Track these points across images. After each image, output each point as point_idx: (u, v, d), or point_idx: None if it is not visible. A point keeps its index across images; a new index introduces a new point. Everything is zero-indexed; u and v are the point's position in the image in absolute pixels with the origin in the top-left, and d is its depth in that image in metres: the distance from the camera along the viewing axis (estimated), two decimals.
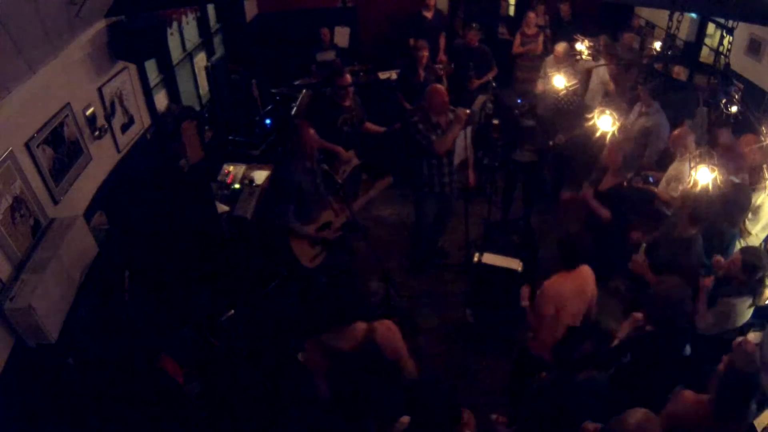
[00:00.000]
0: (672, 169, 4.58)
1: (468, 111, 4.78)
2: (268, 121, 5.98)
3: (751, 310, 3.56)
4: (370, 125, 5.67)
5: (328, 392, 3.02)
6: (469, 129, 5.02)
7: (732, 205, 3.87)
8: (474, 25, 6.80)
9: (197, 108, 5.72)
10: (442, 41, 7.38)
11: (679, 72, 5.89)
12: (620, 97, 5.69)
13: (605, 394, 2.95)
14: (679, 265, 3.68)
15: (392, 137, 5.88)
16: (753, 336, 3.65)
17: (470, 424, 2.53)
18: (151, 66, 4.78)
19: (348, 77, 5.41)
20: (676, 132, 4.52)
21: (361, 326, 2.89)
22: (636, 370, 3.26)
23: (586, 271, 3.53)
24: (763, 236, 4.20)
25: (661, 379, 3.14)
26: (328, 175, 4.55)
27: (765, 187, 4.07)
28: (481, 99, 6.16)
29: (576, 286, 3.49)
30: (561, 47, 6.12)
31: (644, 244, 4.10)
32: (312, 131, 4.32)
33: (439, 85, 4.89)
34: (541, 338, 3.59)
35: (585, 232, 3.65)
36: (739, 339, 3.43)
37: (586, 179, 4.85)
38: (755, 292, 3.45)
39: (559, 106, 5.97)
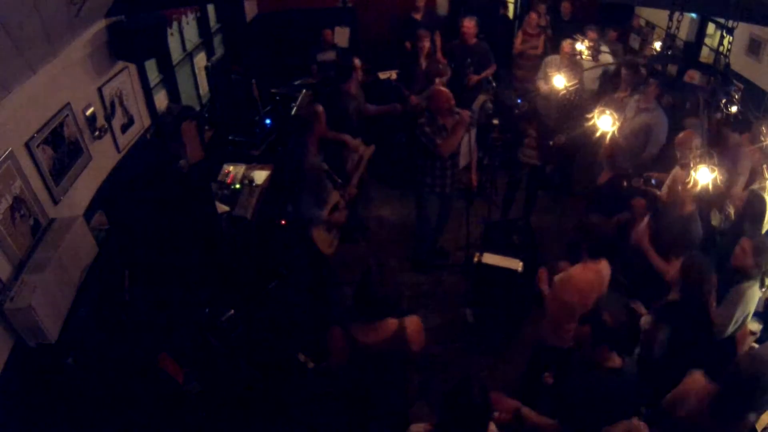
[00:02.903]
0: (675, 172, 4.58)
1: (469, 113, 4.79)
2: (268, 121, 5.98)
3: (757, 297, 3.56)
4: (371, 106, 5.68)
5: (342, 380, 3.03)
6: (473, 131, 5.05)
7: (753, 214, 3.97)
8: (470, 17, 6.72)
9: (197, 108, 5.72)
10: (438, 41, 7.36)
11: (693, 76, 5.90)
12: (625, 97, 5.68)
13: (635, 383, 2.97)
14: (681, 244, 3.75)
15: (393, 134, 5.88)
16: (754, 326, 3.66)
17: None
18: (151, 66, 4.78)
19: (358, 61, 5.48)
20: (681, 135, 4.52)
21: (392, 322, 2.88)
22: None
23: (605, 267, 3.53)
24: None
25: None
26: (327, 175, 4.56)
27: (765, 188, 4.07)
28: (481, 99, 6.16)
29: (596, 279, 3.49)
30: (568, 44, 6.13)
31: (648, 217, 4.14)
32: (321, 110, 4.34)
33: (443, 87, 4.90)
34: (557, 327, 3.58)
35: (606, 221, 3.67)
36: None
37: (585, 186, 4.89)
38: (763, 277, 3.46)
39: (560, 106, 5.97)
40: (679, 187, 4.00)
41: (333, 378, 3.31)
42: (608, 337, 2.89)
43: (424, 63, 6.21)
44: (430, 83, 6.09)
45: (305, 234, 4.39)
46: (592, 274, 3.49)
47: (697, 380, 2.83)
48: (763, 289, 3.70)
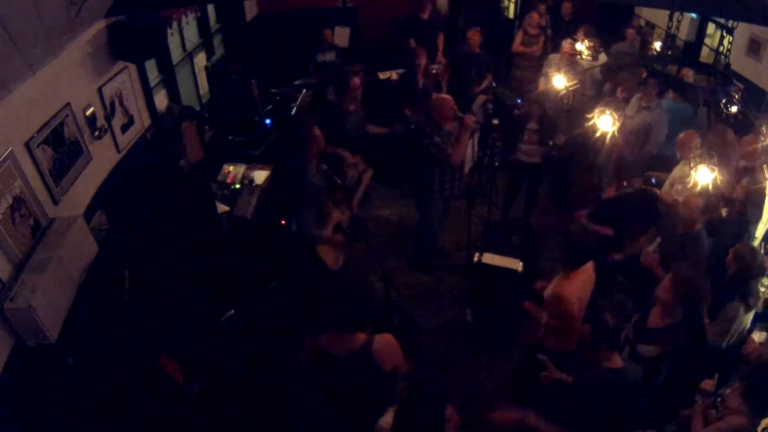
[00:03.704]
0: (676, 171, 4.58)
1: (474, 118, 4.81)
2: (268, 121, 5.98)
3: (751, 316, 3.57)
4: (372, 127, 5.69)
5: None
6: (477, 135, 5.07)
7: (754, 206, 4.01)
8: (477, 28, 6.78)
9: (197, 108, 5.72)
10: (441, 42, 7.37)
11: (686, 73, 5.91)
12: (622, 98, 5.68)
13: (637, 384, 2.97)
14: (687, 260, 3.73)
15: (394, 138, 5.89)
16: (757, 336, 3.67)
17: (453, 421, 2.47)
18: (151, 66, 4.78)
19: (357, 81, 5.44)
20: (681, 135, 4.52)
21: (360, 337, 2.86)
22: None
23: (589, 269, 3.53)
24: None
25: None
26: (327, 175, 4.56)
27: (765, 186, 4.08)
28: (481, 99, 6.17)
29: (587, 282, 3.52)
30: (568, 44, 6.14)
31: (658, 239, 4.14)
32: (319, 132, 4.36)
33: (444, 95, 4.91)
34: (559, 335, 3.57)
35: (589, 232, 3.69)
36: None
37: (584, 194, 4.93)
38: (749, 293, 3.47)
39: (560, 105, 5.98)
40: (682, 202, 4.01)
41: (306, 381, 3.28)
42: (608, 337, 2.89)
43: (421, 80, 6.25)
44: (427, 98, 6.08)
45: (311, 250, 4.41)
46: (580, 282, 3.48)
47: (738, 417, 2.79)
48: (763, 290, 3.70)
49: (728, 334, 3.48)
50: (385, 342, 2.86)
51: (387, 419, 2.58)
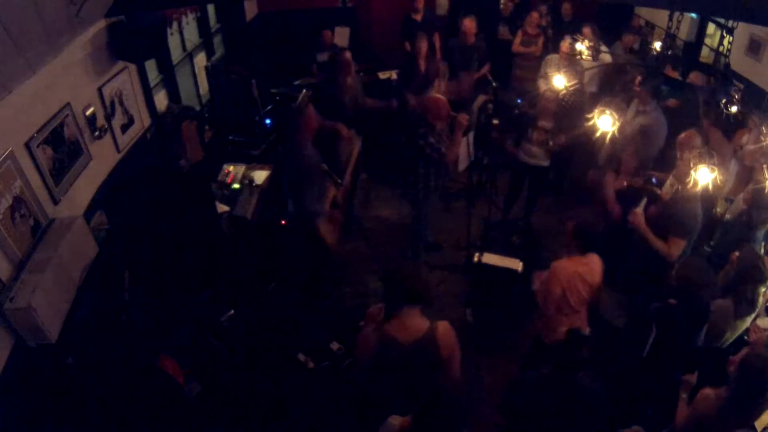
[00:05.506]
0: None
1: (467, 117, 4.82)
2: (268, 121, 5.98)
3: (747, 323, 3.57)
4: (369, 100, 5.79)
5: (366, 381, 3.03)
6: (471, 134, 5.07)
7: (759, 208, 4.01)
8: (471, 16, 6.75)
9: (197, 108, 5.72)
10: (437, 42, 7.36)
11: (696, 77, 5.91)
12: (618, 97, 5.68)
13: (603, 395, 2.97)
14: (680, 222, 3.85)
15: (389, 115, 5.94)
16: (762, 322, 3.66)
17: None
18: (151, 66, 4.78)
19: (348, 55, 5.59)
20: (683, 135, 4.52)
21: (424, 322, 2.89)
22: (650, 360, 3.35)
23: (595, 261, 3.57)
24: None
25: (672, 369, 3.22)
26: (327, 174, 4.57)
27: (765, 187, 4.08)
28: (481, 99, 6.17)
29: (584, 272, 3.53)
30: (566, 44, 6.13)
31: (644, 200, 4.14)
32: (312, 110, 4.39)
33: (438, 96, 4.92)
34: (550, 324, 3.62)
35: (599, 221, 3.73)
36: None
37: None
38: (744, 297, 3.47)
39: (561, 105, 5.96)
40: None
41: (354, 381, 3.26)
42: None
43: (422, 65, 6.25)
44: (430, 84, 6.13)
45: (310, 228, 4.42)
46: (579, 267, 3.52)
47: (708, 394, 2.85)
48: (764, 289, 3.69)
49: (704, 329, 3.48)
50: (446, 327, 2.92)
51: (397, 419, 2.57)
